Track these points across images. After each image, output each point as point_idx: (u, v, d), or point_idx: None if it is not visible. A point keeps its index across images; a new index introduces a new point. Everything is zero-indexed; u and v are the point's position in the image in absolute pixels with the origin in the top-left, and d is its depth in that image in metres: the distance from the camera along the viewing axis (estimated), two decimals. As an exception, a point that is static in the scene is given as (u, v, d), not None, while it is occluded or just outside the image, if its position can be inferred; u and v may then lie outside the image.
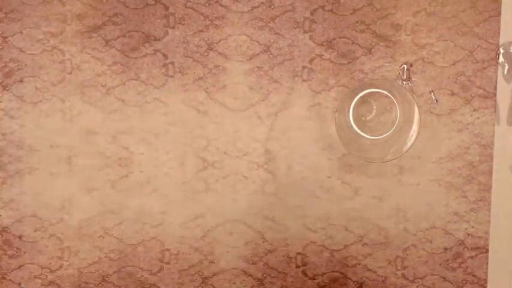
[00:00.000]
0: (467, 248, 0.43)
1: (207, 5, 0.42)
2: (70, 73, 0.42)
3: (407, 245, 0.43)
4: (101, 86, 0.42)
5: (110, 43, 0.42)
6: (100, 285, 0.41)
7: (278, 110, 0.42)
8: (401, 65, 0.41)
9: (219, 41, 0.42)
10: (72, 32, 0.42)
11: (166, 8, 0.42)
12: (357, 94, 0.36)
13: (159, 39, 0.42)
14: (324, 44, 0.42)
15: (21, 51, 0.42)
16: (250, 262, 0.43)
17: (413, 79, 0.42)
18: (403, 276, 0.43)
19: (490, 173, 0.42)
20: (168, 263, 0.41)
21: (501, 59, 0.42)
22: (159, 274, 0.41)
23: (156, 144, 0.42)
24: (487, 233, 0.43)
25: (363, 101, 0.37)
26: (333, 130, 0.42)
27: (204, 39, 0.42)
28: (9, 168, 0.42)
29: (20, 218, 0.42)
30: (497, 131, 0.42)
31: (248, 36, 0.42)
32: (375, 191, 0.43)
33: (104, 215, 0.41)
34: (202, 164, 0.42)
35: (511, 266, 0.43)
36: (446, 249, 0.43)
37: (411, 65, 0.42)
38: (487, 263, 0.43)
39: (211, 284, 0.40)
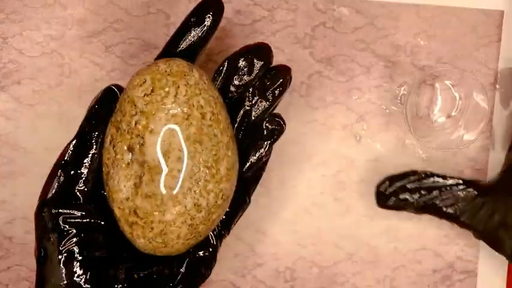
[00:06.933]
0: (456, 271, 0.43)
1: (208, 16, 0.42)
2: (68, 77, 0.42)
3: (396, 265, 0.43)
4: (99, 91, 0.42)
5: (110, 49, 0.42)
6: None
7: (274, 125, 0.42)
8: (401, 85, 0.42)
9: (219, 52, 0.42)
10: (72, 37, 0.42)
11: (168, 17, 0.42)
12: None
13: (159, 48, 0.42)
14: (323, 60, 0.42)
15: (21, 53, 0.42)
16: (239, 274, 0.43)
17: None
18: (391, 296, 0.43)
19: (483, 197, 0.42)
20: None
21: (499, 85, 0.42)
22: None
23: (150, 153, 0.42)
24: (476, 256, 0.43)
25: None
26: (328, 147, 0.42)
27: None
28: (2, 169, 0.42)
29: (11, 220, 0.42)
30: (492, 156, 0.42)
31: (248, 49, 0.42)
32: (367, 209, 0.43)
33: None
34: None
35: (498, 291, 0.43)
36: (435, 271, 0.43)
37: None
38: (475, 287, 0.43)
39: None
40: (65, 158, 0.32)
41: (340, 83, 0.42)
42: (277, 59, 0.42)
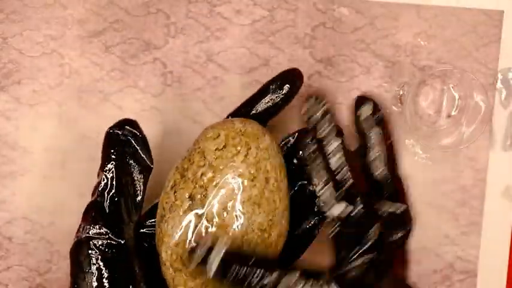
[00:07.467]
0: (456, 271, 0.43)
1: (208, 16, 0.42)
2: (68, 77, 0.42)
3: (396, 265, 0.43)
4: (99, 91, 0.42)
5: (110, 49, 0.42)
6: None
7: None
8: (401, 85, 0.42)
9: (219, 52, 0.42)
10: (72, 36, 0.42)
11: (168, 17, 0.42)
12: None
13: (159, 48, 0.42)
14: (323, 60, 0.42)
15: (21, 53, 0.42)
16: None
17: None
18: (391, 296, 0.43)
19: (483, 197, 0.42)
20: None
21: (499, 85, 0.42)
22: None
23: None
24: (476, 257, 0.43)
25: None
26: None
27: (203, 50, 0.42)
28: (2, 169, 0.42)
29: (10, 220, 0.42)
30: (492, 156, 0.42)
31: (248, 49, 0.42)
32: (367, 210, 0.43)
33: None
34: (196, 174, 0.42)
35: (499, 292, 0.43)
36: (435, 271, 0.43)
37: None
38: (475, 287, 0.43)
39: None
40: (98, 200, 0.33)
41: (340, 83, 0.42)
42: (277, 59, 0.42)
